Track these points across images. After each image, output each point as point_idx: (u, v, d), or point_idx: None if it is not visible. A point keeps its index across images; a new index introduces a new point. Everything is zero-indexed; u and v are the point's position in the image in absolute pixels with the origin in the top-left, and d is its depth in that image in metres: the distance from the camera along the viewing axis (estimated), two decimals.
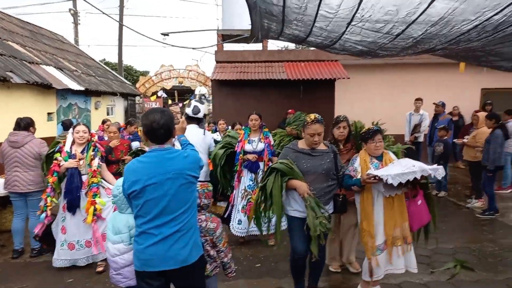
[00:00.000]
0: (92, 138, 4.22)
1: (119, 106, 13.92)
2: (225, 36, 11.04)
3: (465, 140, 6.78)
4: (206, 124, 7.26)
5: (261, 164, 4.69)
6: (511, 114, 7.31)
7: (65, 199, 4.00)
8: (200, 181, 2.56)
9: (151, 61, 47.11)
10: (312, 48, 8.75)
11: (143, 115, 2.37)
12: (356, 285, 3.57)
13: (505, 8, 2.71)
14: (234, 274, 2.88)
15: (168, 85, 18.23)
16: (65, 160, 3.99)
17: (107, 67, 16.50)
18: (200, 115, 4.76)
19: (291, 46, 14.04)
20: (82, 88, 10.10)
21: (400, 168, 3.01)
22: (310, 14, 3.30)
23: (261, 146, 4.74)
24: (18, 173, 4.47)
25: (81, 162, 4.02)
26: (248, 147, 4.75)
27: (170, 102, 18.98)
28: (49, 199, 4.05)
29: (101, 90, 11.55)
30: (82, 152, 4.09)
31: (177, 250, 2.17)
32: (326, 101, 9.71)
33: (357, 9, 3.00)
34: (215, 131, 7.52)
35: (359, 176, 3.19)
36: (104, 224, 3.97)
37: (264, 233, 3.91)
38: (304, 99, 9.59)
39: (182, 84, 18.43)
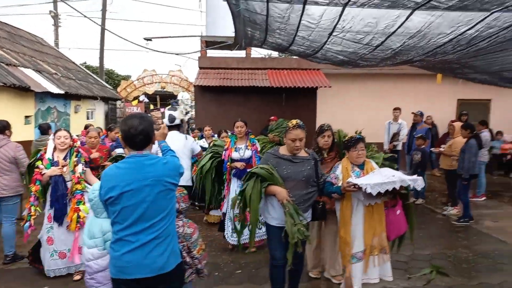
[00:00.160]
0: (75, 144, 4.11)
1: (100, 110, 13.71)
2: (209, 43, 11.07)
3: (441, 149, 6.98)
4: (191, 131, 7.25)
5: None
6: (485, 125, 7.59)
7: (51, 208, 3.88)
8: (180, 186, 2.55)
9: (133, 65, 46.65)
10: (295, 57, 8.88)
11: (122, 120, 2.33)
12: None
13: (477, 23, 2.85)
14: (206, 276, 2.91)
15: (151, 90, 18.07)
16: (47, 168, 3.86)
17: (88, 71, 16.24)
18: (177, 121, 4.77)
19: (274, 54, 14.18)
20: (62, 92, 9.91)
21: (380, 178, 3.03)
22: (293, 24, 3.37)
23: (248, 153, 4.74)
24: None
25: (65, 168, 3.90)
26: (235, 155, 4.73)
27: (152, 107, 18.81)
28: (33, 209, 3.90)
29: (81, 93, 11.36)
30: (64, 158, 3.97)
31: (154, 258, 2.13)
32: (308, 108, 9.84)
33: (338, 20, 3.08)
34: (201, 137, 7.50)
35: (340, 184, 3.20)
36: None
37: (246, 241, 3.85)
38: (286, 107, 9.69)
39: (165, 89, 18.29)
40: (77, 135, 4.65)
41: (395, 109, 8.24)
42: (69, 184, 3.93)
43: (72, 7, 6.97)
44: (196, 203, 6.71)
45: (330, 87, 9.50)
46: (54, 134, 4.06)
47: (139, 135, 2.16)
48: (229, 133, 5.54)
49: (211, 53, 12.05)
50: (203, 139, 7.16)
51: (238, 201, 3.12)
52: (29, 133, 8.72)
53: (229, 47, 10.22)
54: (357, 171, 3.30)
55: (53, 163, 3.90)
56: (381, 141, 8.13)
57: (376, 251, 3.20)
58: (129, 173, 2.13)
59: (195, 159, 6.07)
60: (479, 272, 4.21)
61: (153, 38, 10.27)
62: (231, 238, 4.69)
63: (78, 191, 3.91)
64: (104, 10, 18.06)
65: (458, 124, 6.74)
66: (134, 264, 2.11)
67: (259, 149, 4.91)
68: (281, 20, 3.34)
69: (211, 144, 5.36)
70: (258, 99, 9.69)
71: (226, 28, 8.92)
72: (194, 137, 6.83)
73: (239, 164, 4.63)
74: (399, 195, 3.30)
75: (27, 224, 3.94)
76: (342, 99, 10.53)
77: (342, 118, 9.32)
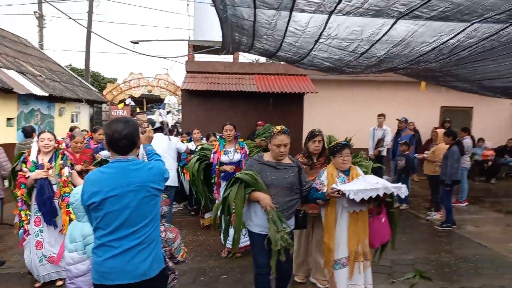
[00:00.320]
0: (60, 146, 4.00)
1: (85, 113, 13.54)
2: (196, 47, 11.07)
3: (425, 155, 7.11)
4: (179, 136, 7.22)
5: None
6: (467, 132, 7.76)
7: (39, 211, 3.77)
8: (167, 186, 2.52)
9: (120, 68, 46.30)
10: (282, 62, 8.94)
11: (105, 124, 2.29)
12: None
13: (458, 33, 2.93)
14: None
15: (137, 93, 17.92)
16: (31, 171, 3.75)
17: (73, 73, 16.03)
18: (157, 124, 4.76)
19: (262, 59, 14.25)
20: (46, 94, 9.76)
21: (364, 184, 3.02)
22: (280, 30, 3.41)
23: (237, 156, 4.75)
24: None
25: (50, 171, 3.79)
26: (224, 158, 4.73)
27: (138, 110, 18.64)
28: (23, 213, 3.79)
29: (66, 96, 11.21)
30: (49, 161, 3.87)
31: (137, 264, 2.09)
32: (295, 114, 9.91)
33: (324, 28, 3.13)
34: (189, 140, 7.48)
35: (325, 190, 3.19)
36: None
37: (229, 246, 3.76)
38: (273, 112, 9.74)
39: (151, 93, 18.16)
40: (62, 138, 4.55)
41: (379, 115, 8.37)
42: (55, 187, 3.84)
43: (57, 8, 6.88)
44: (189, 208, 6.69)
45: (316, 93, 9.59)
46: (38, 136, 3.96)
47: (123, 139, 2.12)
48: (218, 137, 5.55)
49: (199, 57, 12.07)
50: (192, 142, 7.14)
51: (221, 207, 3.08)
52: (12, 135, 8.55)
53: (217, 51, 10.23)
54: (342, 177, 3.29)
55: (37, 166, 3.80)
56: (366, 146, 8.24)
57: (361, 257, 3.20)
58: (113, 178, 2.09)
59: (184, 162, 6.06)
60: (461, 276, 4.29)
61: (140, 41, 10.22)
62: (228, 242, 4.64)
63: (66, 194, 3.81)
64: (90, 12, 17.88)
65: (441, 131, 6.89)
66: (117, 270, 2.07)
67: (247, 152, 4.92)
68: (268, 26, 3.37)
69: (199, 148, 5.35)
70: (246, 104, 9.71)
71: (213, 33, 8.94)
72: (182, 141, 6.81)
73: (228, 167, 4.63)
74: (384, 203, 3.30)
75: (21, 230, 3.82)
76: (328, 105, 10.64)
77: (327, 124, 9.40)
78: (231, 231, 3.22)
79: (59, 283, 3.89)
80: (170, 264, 2.68)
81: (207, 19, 10.23)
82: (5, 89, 8.00)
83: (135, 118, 6.97)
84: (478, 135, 10.30)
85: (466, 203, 7.64)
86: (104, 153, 5.53)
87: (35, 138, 4.03)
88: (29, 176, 3.74)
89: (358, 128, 9.07)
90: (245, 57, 12.18)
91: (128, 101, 17.67)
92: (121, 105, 17.12)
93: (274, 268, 2.86)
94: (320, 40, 3.53)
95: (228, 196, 3.02)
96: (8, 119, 8.64)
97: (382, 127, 8.29)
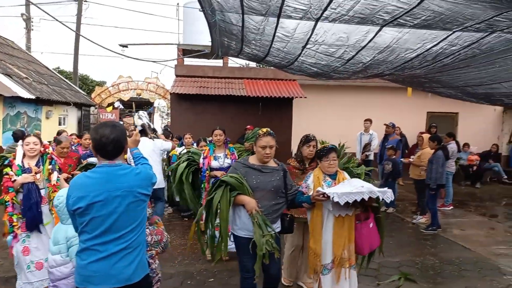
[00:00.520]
0: (47, 150, 3.90)
1: (72, 116, 13.41)
2: (186, 51, 11.07)
3: (411, 159, 7.23)
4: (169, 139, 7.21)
5: None
6: (452, 137, 7.91)
7: (24, 217, 3.66)
8: (154, 188, 2.52)
9: (109, 71, 45.87)
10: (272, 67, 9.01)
11: (92, 129, 2.26)
12: None
13: (441, 41, 3.02)
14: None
15: (126, 96, 17.82)
16: (18, 175, 3.65)
17: (61, 76, 15.87)
18: (138, 128, 4.75)
19: (252, 64, 14.32)
20: (33, 97, 9.65)
21: (349, 188, 3.02)
22: (268, 35, 3.46)
23: (228, 162, 4.72)
24: None
25: (38, 176, 3.70)
26: (214, 163, 4.69)
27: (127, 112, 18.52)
28: (15, 217, 3.66)
29: (53, 99, 11.09)
30: (36, 165, 3.78)
31: (121, 269, 2.06)
32: (284, 118, 9.96)
33: (311, 34, 3.19)
34: (181, 145, 7.47)
35: (311, 193, 3.18)
36: None
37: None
38: (262, 116, 9.78)
39: (141, 96, 18.08)
40: (48, 141, 4.48)
41: (365, 120, 8.50)
42: (42, 192, 3.75)
43: (44, 11, 6.84)
44: (183, 214, 6.68)
45: (305, 97, 9.68)
46: (23, 140, 3.87)
47: (110, 144, 2.08)
48: (208, 142, 5.53)
49: (188, 61, 12.05)
50: (183, 147, 7.13)
51: (205, 211, 3.05)
52: None
53: (206, 56, 10.27)
54: (328, 181, 3.27)
55: (24, 170, 3.70)
56: (353, 151, 8.33)
57: (347, 263, 3.18)
58: (99, 183, 2.06)
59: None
60: (445, 278, 4.37)
61: (129, 44, 10.19)
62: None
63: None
64: (79, 15, 17.75)
65: (426, 136, 7.01)
66: (101, 274, 2.05)
67: (237, 158, 4.92)
68: (257, 32, 3.42)
69: (186, 151, 5.32)
70: (235, 108, 9.74)
71: (203, 37, 8.96)
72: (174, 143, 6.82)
73: (219, 173, 4.57)
74: (371, 208, 3.29)
75: (10, 237, 3.69)
76: (316, 109, 10.74)
77: (316, 128, 9.43)
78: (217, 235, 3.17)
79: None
80: (154, 266, 2.69)
81: (196, 24, 10.26)
82: None
83: (121, 122, 6.94)
84: (463, 140, 10.51)
85: (452, 207, 7.77)
86: (92, 159, 5.42)
87: (20, 142, 3.93)
88: (15, 180, 3.64)
89: (346, 132, 9.17)
90: (235, 62, 12.23)
91: (117, 104, 17.55)
92: (109, 108, 17.00)
93: (258, 272, 2.84)
94: (308, 46, 3.60)
95: (213, 199, 2.99)
96: None
97: (368, 132, 8.41)
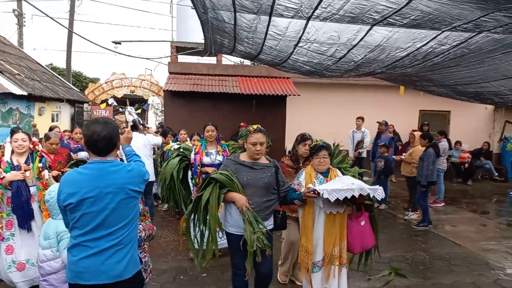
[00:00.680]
0: (36, 147, 3.85)
1: (65, 113, 13.33)
2: (179, 48, 11.07)
3: (402, 157, 7.31)
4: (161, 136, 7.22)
5: None
6: (443, 135, 8.01)
7: (14, 214, 3.61)
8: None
9: (102, 68, 45.48)
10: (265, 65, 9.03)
11: (84, 125, 2.26)
12: None
13: (430, 40, 3.07)
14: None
15: (120, 93, 17.70)
16: (6, 171, 3.58)
17: (54, 72, 15.76)
18: (130, 124, 4.78)
19: (246, 62, 14.36)
20: (25, 93, 9.58)
21: (340, 185, 3.02)
22: (260, 33, 3.48)
23: (219, 158, 4.73)
24: None
25: (28, 173, 3.65)
26: (206, 159, 4.69)
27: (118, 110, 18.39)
28: (4, 216, 3.61)
29: (46, 95, 11.02)
30: (26, 162, 3.72)
31: (112, 265, 2.07)
32: (277, 116, 10.00)
33: (303, 32, 3.22)
34: (176, 141, 7.48)
35: (302, 190, 3.17)
36: None
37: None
38: (256, 114, 9.80)
39: (134, 93, 17.98)
40: (40, 138, 4.44)
41: (358, 118, 8.58)
42: (32, 189, 3.69)
43: (35, 7, 6.76)
44: (176, 210, 6.68)
45: (299, 95, 9.72)
46: (11, 136, 3.79)
47: (102, 140, 2.09)
48: (200, 137, 5.55)
49: (182, 58, 12.04)
50: (177, 143, 7.14)
51: (193, 208, 3.03)
52: None
53: (200, 53, 10.28)
54: (320, 178, 3.28)
55: (13, 167, 3.64)
56: (346, 148, 8.40)
57: (337, 261, 3.17)
58: (90, 179, 2.06)
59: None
60: (434, 273, 4.45)
61: (122, 41, 10.15)
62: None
63: None
64: (72, 11, 17.60)
65: (418, 134, 7.10)
66: (91, 270, 2.05)
67: (229, 155, 4.95)
68: (249, 30, 3.45)
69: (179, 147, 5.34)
70: (228, 106, 9.76)
71: (196, 34, 8.97)
72: (168, 141, 6.82)
73: (210, 170, 4.58)
74: (364, 206, 3.30)
75: None
76: (310, 107, 10.80)
77: (309, 126, 9.52)
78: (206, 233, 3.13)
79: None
80: (145, 260, 2.73)
81: (190, 21, 10.25)
82: None
83: (113, 119, 6.96)
84: (455, 138, 10.63)
85: (443, 204, 7.88)
86: (83, 154, 5.40)
87: (8, 138, 3.86)
88: (4, 177, 3.57)
89: (338, 130, 9.25)
90: (228, 60, 12.23)
91: (110, 101, 17.37)
92: (103, 105, 16.89)
93: (249, 269, 2.84)
94: (300, 44, 3.63)
95: (202, 195, 2.97)
96: None
97: (361, 130, 8.48)
